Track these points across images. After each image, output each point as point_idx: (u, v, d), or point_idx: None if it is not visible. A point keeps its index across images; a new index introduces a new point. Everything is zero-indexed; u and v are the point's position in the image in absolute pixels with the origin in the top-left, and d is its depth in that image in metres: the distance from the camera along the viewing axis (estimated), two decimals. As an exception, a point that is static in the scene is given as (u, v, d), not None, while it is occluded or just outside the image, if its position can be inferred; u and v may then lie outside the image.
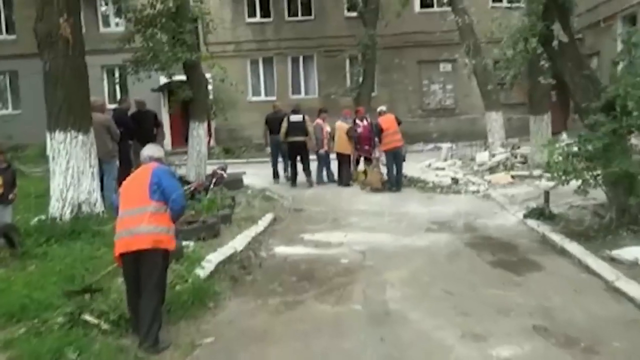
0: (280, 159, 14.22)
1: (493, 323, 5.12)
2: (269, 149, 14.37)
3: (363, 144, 13.17)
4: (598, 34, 18.70)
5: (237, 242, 7.71)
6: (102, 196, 8.52)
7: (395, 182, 12.52)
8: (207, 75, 12.92)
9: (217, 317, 5.52)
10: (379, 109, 13.11)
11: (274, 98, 22.66)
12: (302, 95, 23.61)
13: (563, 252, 7.18)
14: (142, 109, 11.85)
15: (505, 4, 20.57)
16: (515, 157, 14.26)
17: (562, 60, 8.37)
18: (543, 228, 8.22)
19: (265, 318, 5.50)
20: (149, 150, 5.08)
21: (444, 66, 23.25)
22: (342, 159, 13.48)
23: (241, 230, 8.50)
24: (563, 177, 7.72)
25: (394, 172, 12.54)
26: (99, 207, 8.36)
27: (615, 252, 6.63)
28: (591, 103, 7.86)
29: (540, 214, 8.76)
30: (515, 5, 18.28)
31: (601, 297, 5.64)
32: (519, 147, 15.14)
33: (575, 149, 7.74)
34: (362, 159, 13.61)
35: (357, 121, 13.43)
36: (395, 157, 12.44)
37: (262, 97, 23.77)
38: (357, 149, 13.35)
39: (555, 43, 8.07)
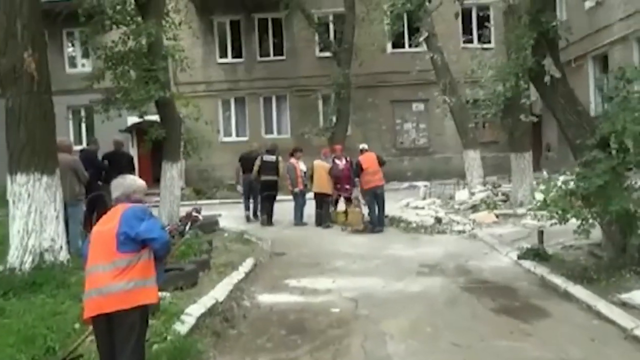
0: (251, 200, 14.12)
1: (512, 381, 4.59)
2: (240, 188, 14.21)
3: (344, 183, 12.74)
4: (569, 73, 18.72)
5: (218, 292, 7.06)
6: (67, 242, 7.78)
7: (377, 222, 12.06)
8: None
9: (201, 381, 4.85)
10: (360, 147, 12.88)
11: (246, 138, 22.55)
12: (275, 135, 23.19)
13: (567, 296, 6.75)
14: (118, 150, 11.18)
15: (476, 44, 20.93)
16: (497, 195, 13.99)
17: (553, 96, 8.12)
18: (540, 270, 7.81)
19: (256, 381, 4.86)
20: (118, 188, 4.22)
21: (417, 106, 23.23)
22: (322, 199, 13.03)
23: (221, 277, 7.84)
24: (561, 216, 7.38)
25: (376, 212, 12.10)
26: (64, 255, 7.61)
27: (626, 296, 6.21)
28: (585, 140, 7.61)
29: (535, 254, 8.37)
30: (485, 46, 18.72)
31: (622, 348, 5.17)
32: (499, 185, 14.91)
33: (573, 186, 7.41)
34: (341, 199, 13.13)
35: (336, 160, 13.06)
36: (377, 197, 12.07)
37: (234, 138, 23.37)
38: (337, 189, 12.91)
39: (547, 79, 7.82)
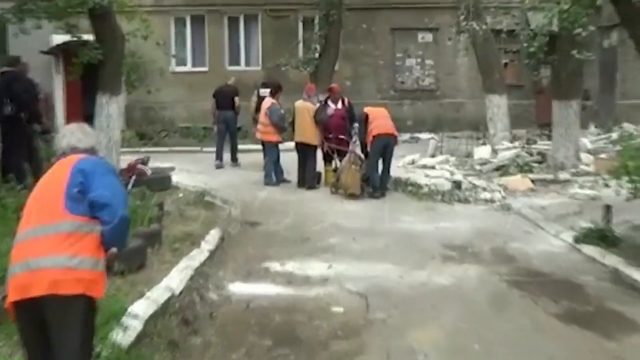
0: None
1: None
2: (216, 128, 15.14)
3: (336, 132, 11.80)
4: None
5: (174, 279, 6.16)
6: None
7: (379, 185, 11.25)
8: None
9: None
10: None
11: (205, 69, 21.65)
12: (242, 66, 22.02)
13: (657, 300, 5.99)
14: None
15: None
16: (531, 154, 13.17)
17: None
18: (612, 259, 7.03)
19: None
20: (72, 135, 3.75)
21: (423, 36, 22.17)
22: (306, 151, 12.09)
23: (177, 257, 6.94)
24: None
25: (379, 171, 11.32)
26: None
27: None
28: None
29: (600, 237, 7.57)
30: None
31: None
32: (534, 142, 14.11)
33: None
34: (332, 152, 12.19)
35: (330, 103, 12.12)
36: (385, 150, 11.23)
37: (189, 68, 22.14)
38: (327, 139, 11.99)
39: (638, -1, 6.84)
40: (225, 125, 14.67)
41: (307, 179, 12.08)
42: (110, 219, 3.31)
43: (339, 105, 12.07)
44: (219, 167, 14.45)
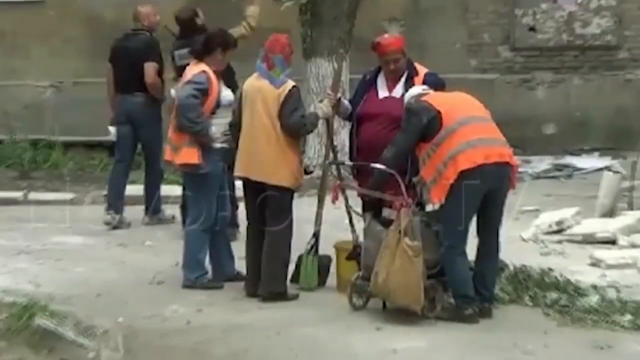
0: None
1: None
2: (113, 131, 15.11)
3: (374, 154, 10.29)
4: None
5: None
6: None
7: (475, 289, 9.81)
8: None
9: None
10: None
11: None
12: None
13: None
14: None
15: None
16: None
17: None
18: None
19: None
20: None
21: None
22: (263, 199, 10.95)
23: None
24: None
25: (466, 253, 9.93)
26: None
27: None
28: None
29: None
30: None
31: None
32: None
33: None
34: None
35: (380, 82, 10.82)
36: (488, 202, 9.76)
37: None
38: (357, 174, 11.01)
39: None
40: (130, 126, 14.58)
41: (263, 273, 10.91)
42: None
43: (399, 88, 10.57)
44: (113, 226, 14.39)
